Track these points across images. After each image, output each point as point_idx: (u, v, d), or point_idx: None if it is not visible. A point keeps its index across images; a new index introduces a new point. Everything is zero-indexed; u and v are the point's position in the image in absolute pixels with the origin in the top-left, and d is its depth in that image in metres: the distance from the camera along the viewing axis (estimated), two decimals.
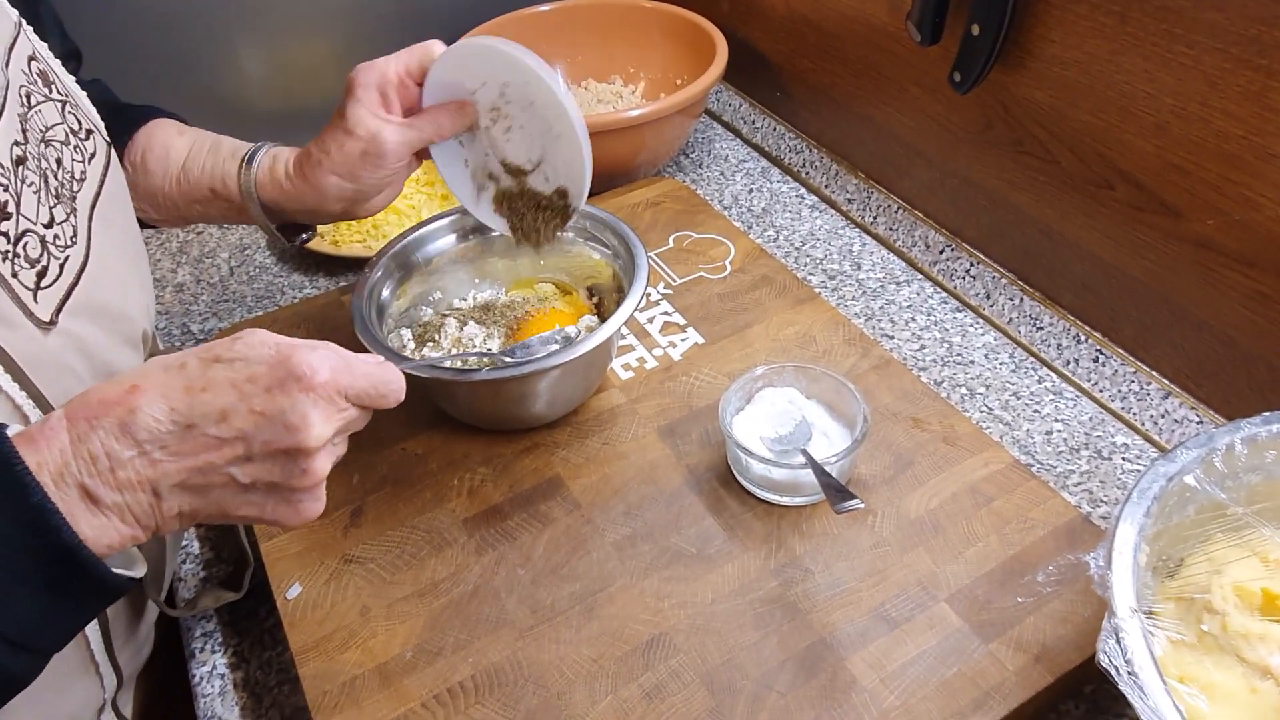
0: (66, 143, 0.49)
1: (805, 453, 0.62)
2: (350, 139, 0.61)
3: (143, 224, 0.68)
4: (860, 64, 0.92)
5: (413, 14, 1.09)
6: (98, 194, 0.50)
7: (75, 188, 0.48)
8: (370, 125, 0.61)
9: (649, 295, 0.83)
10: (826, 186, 1.02)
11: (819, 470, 0.59)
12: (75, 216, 0.48)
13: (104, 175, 0.52)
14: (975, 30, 0.72)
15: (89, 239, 0.48)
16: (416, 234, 0.74)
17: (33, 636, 0.37)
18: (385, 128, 0.61)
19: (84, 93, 0.56)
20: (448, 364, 0.67)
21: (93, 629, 0.51)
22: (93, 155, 0.51)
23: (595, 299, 0.78)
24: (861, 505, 0.55)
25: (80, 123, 0.52)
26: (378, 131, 0.61)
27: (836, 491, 0.56)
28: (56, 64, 0.53)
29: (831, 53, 0.95)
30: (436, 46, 0.64)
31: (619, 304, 0.66)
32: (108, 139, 0.54)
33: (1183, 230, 0.67)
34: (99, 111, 0.62)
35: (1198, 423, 0.70)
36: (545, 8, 1.09)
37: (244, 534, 0.67)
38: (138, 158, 0.66)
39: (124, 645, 0.56)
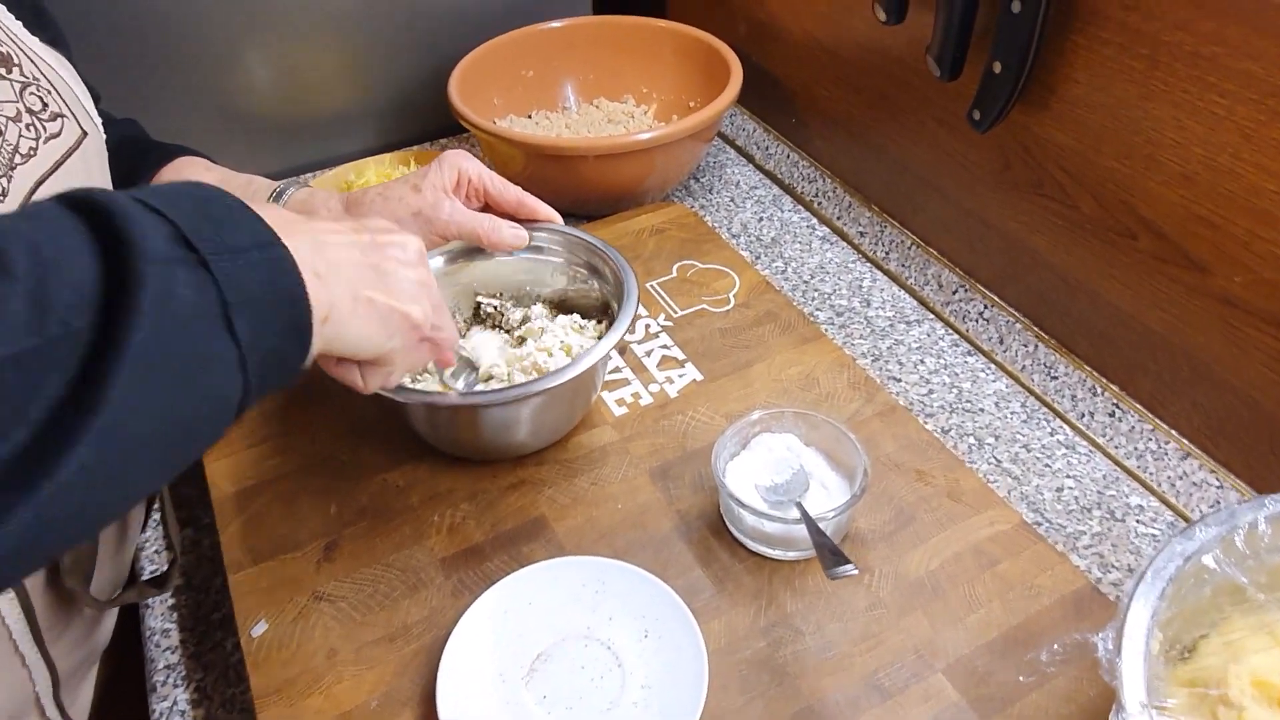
0: (17, 119, 0.48)
1: (800, 506, 0.59)
2: (414, 195, 0.66)
3: None
4: (877, 95, 0.89)
5: (425, 28, 1.08)
6: (47, 175, 0.49)
7: (16, 159, 0.47)
8: (436, 192, 0.66)
9: (648, 327, 0.81)
10: (839, 218, 0.99)
11: (814, 528, 0.56)
12: (8, 183, 0.46)
13: (62, 160, 0.50)
14: (997, 68, 0.69)
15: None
16: None
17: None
18: (446, 200, 0.66)
19: (74, 84, 0.55)
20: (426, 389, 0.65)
21: (16, 618, 0.50)
22: (53, 136, 0.50)
23: (601, 322, 0.75)
24: (855, 571, 0.52)
25: (46, 105, 0.51)
26: (437, 201, 0.66)
27: (830, 554, 0.53)
28: (33, 50, 0.53)
29: (848, 81, 0.93)
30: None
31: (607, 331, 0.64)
32: (84, 129, 0.53)
33: (1208, 285, 0.64)
34: (125, 149, 0.65)
35: (1217, 487, 0.67)
36: (558, 24, 1.07)
37: (173, 532, 0.65)
38: None
39: (57, 638, 0.54)
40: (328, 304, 0.40)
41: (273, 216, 0.38)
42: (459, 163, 0.67)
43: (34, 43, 0.54)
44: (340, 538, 0.64)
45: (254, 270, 0.35)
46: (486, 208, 0.70)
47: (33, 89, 0.51)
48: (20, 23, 0.54)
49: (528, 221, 0.70)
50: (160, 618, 0.64)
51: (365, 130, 1.12)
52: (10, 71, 0.51)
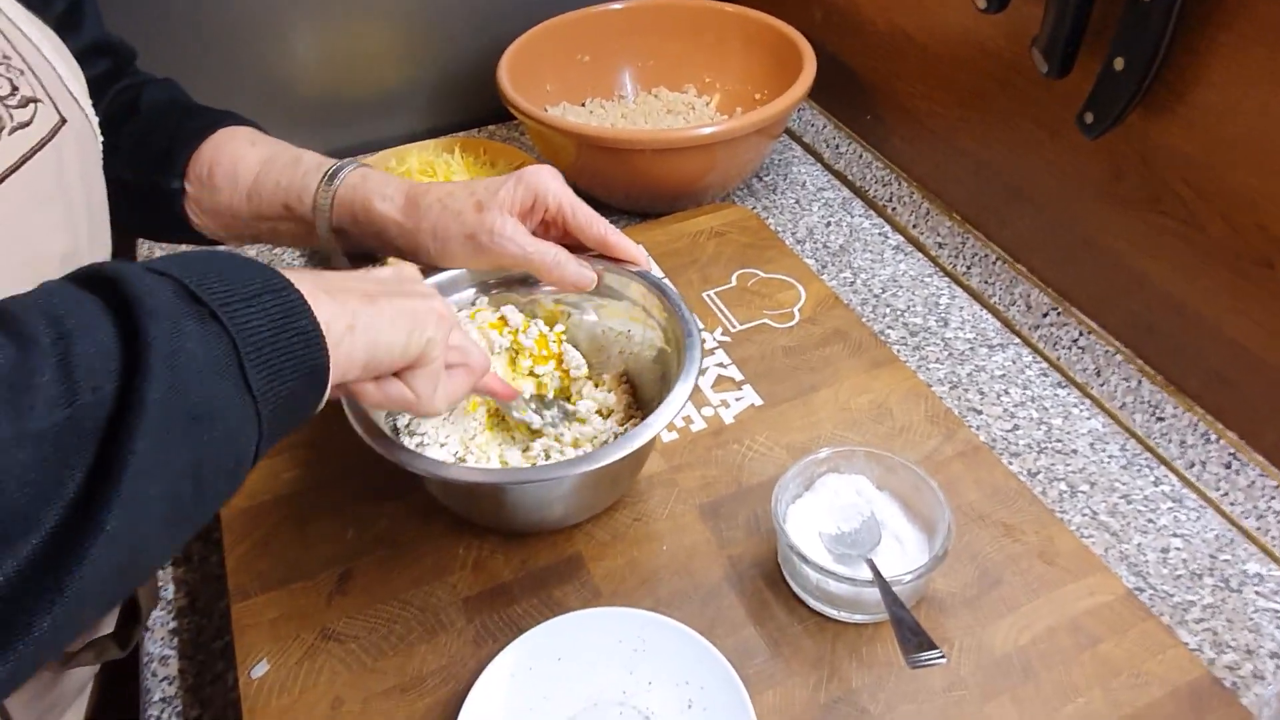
0: None
1: (872, 565, 0.51)
2: (474, 214, 0.57)
3: (205, 242, 0.65)
4: (969, 92, 0.80)
5: (476, 7, 1.01)
6: (8, 172, 0.42)
7: None
8: (500, 215, 0.57)
9: (703, 341, 0.73)
10: (914, 226, 0.90)
11: (890, 597, 0.49)
12: None
13: (30, 154, 0.44)
14: (1118, 65, 0.61)
15: None
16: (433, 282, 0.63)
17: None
18: (509, 224, 0.57)
19: (59, 62, 0.48)
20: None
21: None
22: (20, 126, 0.43)
23: (626, 382, 0.66)
24: (945, 660, 0.44)
25: (16, 89, 0.44)
26: (498, 226, 0.57)
27: (911, 633, 0.46)
28: (12, 24, 0.47)
29: (935, 77, 0.84)
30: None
31: (661, 394, 0.55)
32: (63, 115, 0.46)
33: None
34: (164, 113, 0.63)
35: None
36: (617, 6, 0.99)
37: (140, 591, 0.58)
38: (204, 172, 0.61)
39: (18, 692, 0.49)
40: (351, 313, 0.40)
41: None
42: (539, 184, 0.57)
43: (15, 11, 0.47)
44: (355, 567, 0.58)
45: (267, 313, 0.35)
46: (564, 239, 0.60)
47: (1, 69, 0.45)
48: None
49: (610, 260, 0.61)
50: (160, 643, 0.59)
51: (410, 114, 1.06)
52: None
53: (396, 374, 0.45)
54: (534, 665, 0.51)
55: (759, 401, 0.68)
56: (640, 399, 0.64)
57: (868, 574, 0.51)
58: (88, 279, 0.33)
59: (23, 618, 0.28)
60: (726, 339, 0.74)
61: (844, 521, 0.56)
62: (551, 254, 0.58)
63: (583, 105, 1.01)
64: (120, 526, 0.29)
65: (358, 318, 0.40)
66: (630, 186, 0.87)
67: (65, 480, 0.29)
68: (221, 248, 0.66)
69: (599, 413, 0.62)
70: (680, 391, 0.53)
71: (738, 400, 0.68)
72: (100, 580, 0.29)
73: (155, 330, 0.31)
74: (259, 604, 0.56)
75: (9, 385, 0.28)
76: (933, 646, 0.44)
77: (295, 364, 0.36)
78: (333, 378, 0.38)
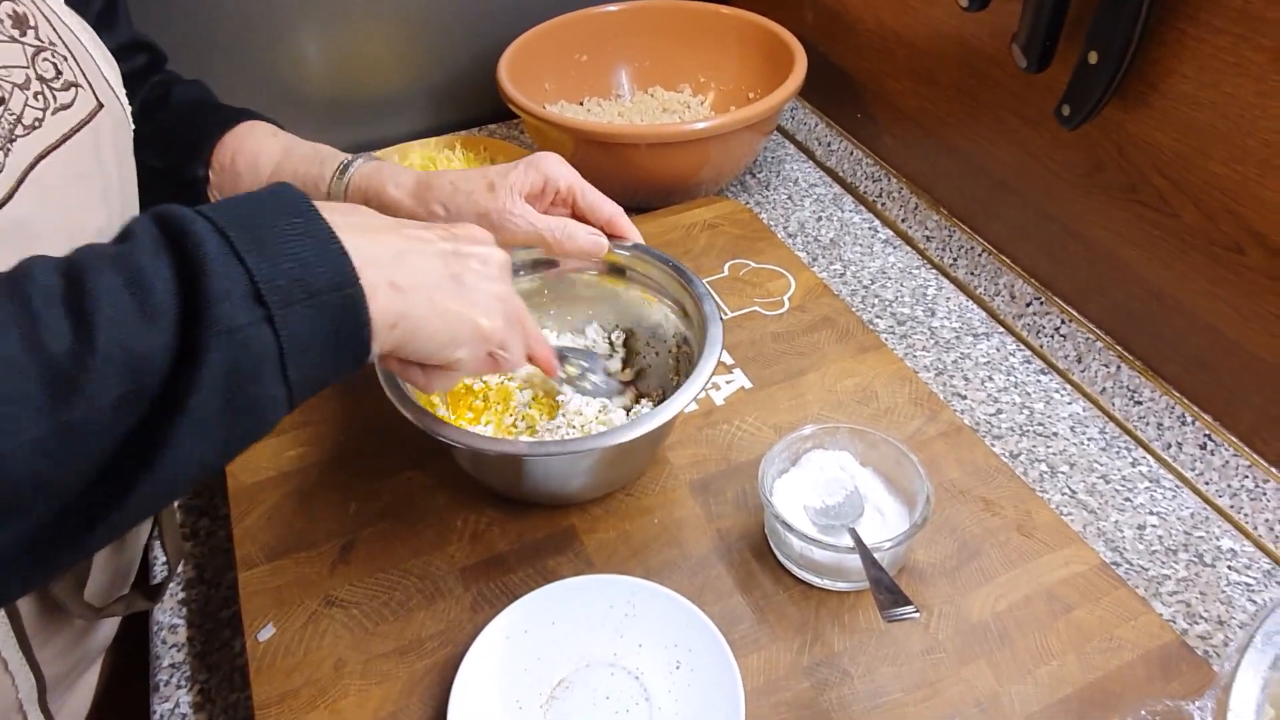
0: (25, 86, 0.45)
1: (854, 533, 0.54)
2: (486, 195, 0.59)
3: None
4: (953, 88, 0.83)
5: (477, 9, 1.04)
6: (51, 148, 0.45)
7: (18, 130, 0.44)
8: (511, 196, 0.59)
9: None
10: (903, 220, 0.92)
11: (869, 560, 0.51)
12: (5, 157, 0.43)
13: (70, 133, 0.46)
14: (1092, 58, 0.63)
15: (17, 185, 0.43)
16: None
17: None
18: (518, 204, 0.59)
19: (96, 52, 0.52)
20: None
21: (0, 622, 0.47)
22: (63, 108, 0.46)
23: (624, 353, 0.69)
24: (917, 615, 0.46)
25: (60, 73, 0.47)
26: (507, 206, 0.59)
27: (888, 591, 0.48)
28: (56, 15, 0.50)
29: (923, 74, 0.86)
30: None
31: (679, 372, 0.58)
32: (100, 101, 0.49)
33: None
34: (192, 111, 0.66)
35: None
36: (614, 8, 1.02)
37: (169, 543, 0.61)
38: (227, 160, 0.64)
39: (44, 643, 0.52)
40: (399, 313, 0.40)
41: (361, 220, 0.40)
42: (548, 168, 0.60)
43: (59, 5, 0.51)
44: (358, 538, 0.60)
45: (321, 316, 0.36)
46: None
47: (47, 54, 0.48)
48: None
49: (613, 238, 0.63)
50: (169, 612, 0.61)
51: (413, 112, 1.09)
52: (25, 34, 0.47)
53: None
54: (529, 629, 0.53)
55: (748, 384, 0.70)
56: (643, 382, 0.68)
57: (850, 542, 0.53)
58: (171, 238, 0.34)
59: (60, 551, 0.32)
60: None
61: (828, 495, 0.58)
62: (561, 225, 0.60)
63: (580, 104, 1.04)
64: (148, 495, 0.33)
65: (405, 319, 0.40)
66: (626, 181, 0.89)
67: (92, 466, 0.32)
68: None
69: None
70: (705, 366, 0.56)
71: (728, 383, 0.70)
72: (126, 524, 0.33)
73: (215, 349, 0.33)
74: (264, 572, 0.58)
75: (64, 379, 0.30)
76: (907, 602, 0.46)
77: (335, 365, 0.38)
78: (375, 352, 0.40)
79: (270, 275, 0.34)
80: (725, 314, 0.77)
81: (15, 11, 0.47)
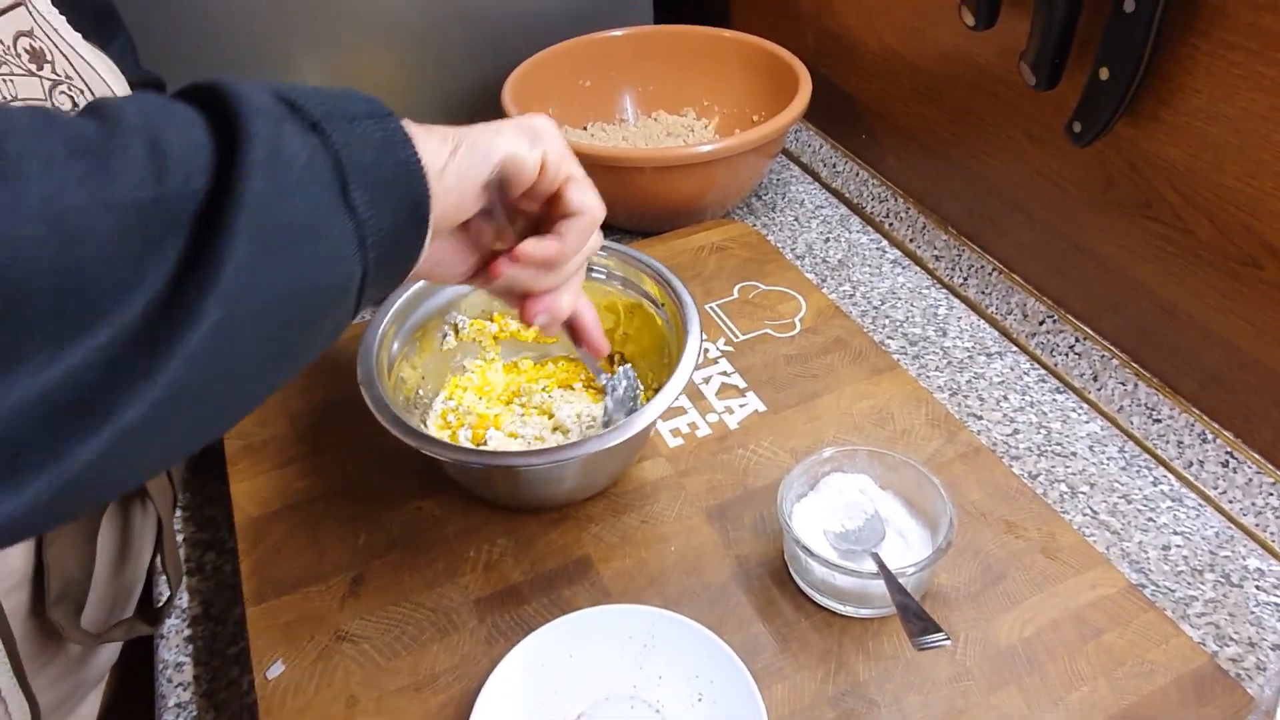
0: None
1: (876, 558, 0.52)
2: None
3: None
4: (960, 108, 0.82)
5: (480, 35, 1.04)
6: None
7: None
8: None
9: (706, 352, 0.75)
10: (912, 240, 0.92)
11: (894, 585, 0.49)
12: None
13: None
14: (1103, 75, 0.63)
15: None
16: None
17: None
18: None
19: (115, 84, 0.53)
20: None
21: None
22: None
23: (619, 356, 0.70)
24: (949, 643, 0.45)
25: (77, 106, 0.48)
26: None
27: (917, 619, 0.46)
28: (73, 49, 0.50)
29: (928, 95, 0.86)
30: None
31: (667, 369, 0.58)
32: None
33: None
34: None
35: None
36: (617, 33, 1.02)
37: (170, 565, 0.60)
38: None
39: (39, 670, 0.51)
40: (456, 138, 0.38)
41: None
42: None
43: (75, 39, 0.51)
44: (368, 571, 0.59)
45: (368, 139, 0.33)
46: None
47: (64, 88, 0.49)
48: (64, 19, 0.51)
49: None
50: (174, 650, 0.60)
51: None
52: (41, 68, 0.48)
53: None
54: (546, 661, 0.51)
55: (762, 408, 0.69)
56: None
57: (873, 568, 0.52)
58: (178, 92, 0.32)
59: (109, 401, 0.27)
60: (729, 349, 0.75)
61: (848, 519, 0.57)
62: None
63: (584, 129, 1.04)
64: (220, 325, 0.28)
65: (465, 138, 0.39)
66: (631, 205, 0.89)
67: (153, 264, 0.27)
68: None
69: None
70: (686, 362, 0.57)
71: (741, 406, 0.69)
72: (193, 387, 0.28)
73: (256, 125, 0.29)
74: (273, 608, 0.57)
75: (92, 152, 0.27)
76: (937, 629, 0.45)
77: (398, 195, 0.34)
78: (434, 212, 0.37)
79: (298, 95, 0.32)
80: (737, 337, 0.76)
81: (32, 46, 0.47)
